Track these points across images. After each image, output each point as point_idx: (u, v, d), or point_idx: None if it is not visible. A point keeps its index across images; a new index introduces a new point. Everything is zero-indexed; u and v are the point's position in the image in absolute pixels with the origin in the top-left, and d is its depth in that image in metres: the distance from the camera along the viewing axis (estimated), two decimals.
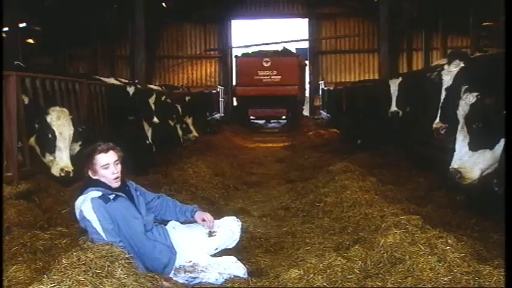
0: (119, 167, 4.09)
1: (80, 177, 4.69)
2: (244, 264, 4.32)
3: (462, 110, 4.40)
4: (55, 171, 6.12)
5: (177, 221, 4.45)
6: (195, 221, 4.45)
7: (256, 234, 5.65)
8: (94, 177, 4.08)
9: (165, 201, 4.48)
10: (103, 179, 4.06)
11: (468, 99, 4.37)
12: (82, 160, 4.21)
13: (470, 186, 4.43)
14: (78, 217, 4.00)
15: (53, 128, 6.09)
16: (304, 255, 4.68)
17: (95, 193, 3.96)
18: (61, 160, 6.08)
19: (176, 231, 4.35)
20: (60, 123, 6.12)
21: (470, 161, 4.29)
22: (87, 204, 3.90)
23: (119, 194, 4.05)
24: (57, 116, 6.13)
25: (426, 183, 7.14)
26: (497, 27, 17.69)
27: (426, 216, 5.27)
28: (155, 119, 9.27)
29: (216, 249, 4.42)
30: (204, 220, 4.37)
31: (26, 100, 6.67)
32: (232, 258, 4.30)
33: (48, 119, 6.12)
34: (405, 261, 3.74)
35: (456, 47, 25.63)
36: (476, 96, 4.32)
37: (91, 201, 3.90)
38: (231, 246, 4.52)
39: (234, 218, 4.72)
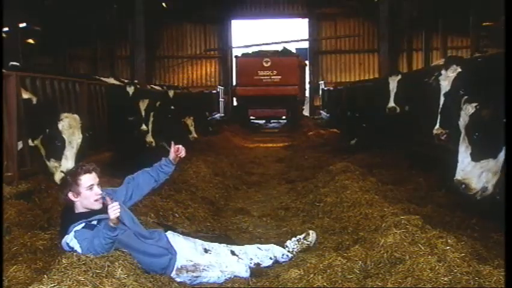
0: (99, 187, 3.97)
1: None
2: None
3: (463, 120, 4.40)
4: (57, 178, 5.91)
5: (158, 182, 4.45)
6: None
7: (256, 234, 5.66)
8: (75, 201, 3.93)
9: (137, 178, 4.38)
10: (84, 202, 3.91)
11: (467, 110, 4.37)
12: (63, 183, 4.05)
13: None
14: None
15: (64, 136, 5.92)
16: (304, 255, 4.68)
17: (77, 227, 3.82)
18: (66, 169, 5.83)
19: (174, 236, 4.34)
20: (71, 132, 5.96)
21: (474, 172, 4.27)
22: (71, 236, 3.77)
23: (102, 216, 3.83)
24: (69, 124, 5.96)
25: (426, 183, 7.14)
26: (497, 27, 17.70)
27: (426, 216, 5.28)
28: (144, 127, 8.91)
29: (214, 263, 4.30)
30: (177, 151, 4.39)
31: (34, 100, 6.60)
32: (234, 257, 4.33)
33: (60, 126, 5.92)
34: (405, 261, 3.74)
35: (456, 47, 25.68)
36: (475, 106, 4.32)
37: (74, 232, 3.77)
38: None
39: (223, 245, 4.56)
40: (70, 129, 5.97)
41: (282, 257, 4.63)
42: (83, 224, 3.83)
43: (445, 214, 5.63)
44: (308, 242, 4.85)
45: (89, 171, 3.94)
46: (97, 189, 3.93)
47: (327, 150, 11.96)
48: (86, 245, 3.65)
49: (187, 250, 4.23)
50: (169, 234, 4.36)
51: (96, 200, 3.92)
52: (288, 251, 4.71)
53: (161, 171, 4.44)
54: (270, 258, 4.55)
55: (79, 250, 3.66)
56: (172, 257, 4.11)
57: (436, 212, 5.73)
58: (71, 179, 3.94)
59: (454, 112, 4.60)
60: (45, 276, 3.30)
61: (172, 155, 4.46)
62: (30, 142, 6.49)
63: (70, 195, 3.93)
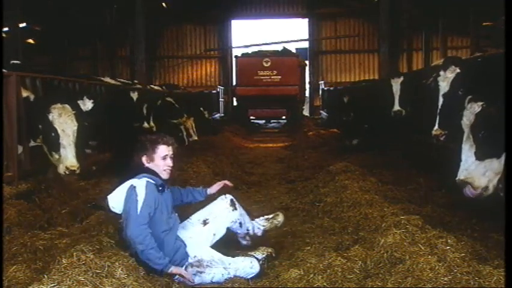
0: (171, 160, 4.30)
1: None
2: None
3: (467, 119, 4.36)
4: (61, 169, 5.99)
5: (182, 203, 4.69)
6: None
7: None
8: (147, 165, 4.22)
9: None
10: (154, 168, 4.22)
11: (473, 109, 4.33)
12: (137, 146, 4.30)
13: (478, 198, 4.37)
14: (120, 197, 4.06)
15: (55, 126, 5.96)
16: (304, 255, 4.68)
17: (150, 180, 4.11)
18: (66, 158, 5.93)
19: (189, 226, 4.49)
20: (62, 121, 5.98)
21: (477, 171, 4.21)
22: (142, 182, 4.03)
23: (168, 187, 4.29)
24: (58, 114, 5.99)
25: (426, 183, 7.13)
26: (497, 27, 17.71)
27: (426, 216, 5.27)
28: (146, 125, 9.05)
29: (214, 234, 4.50)
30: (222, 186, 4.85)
31: (32, 97, 6.59)
32: (246, 259, 4.35)
33: (50, 117, 5.98)
34: (405, 261, 3.74)
35: (456, 47, 25.69)
36: (482, 105, 4.29)
37: (146, 182, 4.04)
38: (229, 224, 4.65)
39: (222, 197, 4.80)
40: (61, 118, 6.00)
41: (254, 230, 4.84)
42: (154, 182, 4.10)
43: (445, 214, 5.63)
44: (277, 222, 5.06)
45: (167, 144, 4.26)
46: (169, 161, 4.27)
47: (327, 150, 11.95)
48: (147, 200, 3.94)
49: (190, 245, 4.27)
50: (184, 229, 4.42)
51: (165, 170, 4.25)
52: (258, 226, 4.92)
53: (191, 194, 4.74)
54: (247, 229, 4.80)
55: (142, 197, 3.94)
56: (186, 256, 4.20)
57: (436, 212, 5.73)
58: (149, 145, 4.22)
59: (455, 112, 4.58)
60: (45, 276, 3.31)
61: (212, 190, 4.82)
62: (32, 142, 6.50)
63: (144, 159, 4.24)
